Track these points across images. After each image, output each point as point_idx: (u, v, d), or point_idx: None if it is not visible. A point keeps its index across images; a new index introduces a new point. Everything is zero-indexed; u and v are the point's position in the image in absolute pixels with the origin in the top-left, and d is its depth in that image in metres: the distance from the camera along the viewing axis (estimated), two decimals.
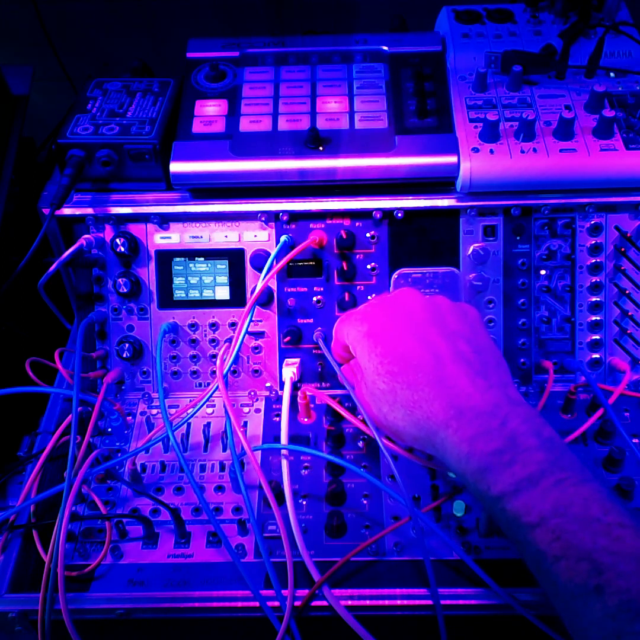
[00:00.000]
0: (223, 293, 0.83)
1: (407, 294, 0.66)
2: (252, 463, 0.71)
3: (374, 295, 0.82)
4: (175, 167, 0.79)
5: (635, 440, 0.75)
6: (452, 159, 0.77)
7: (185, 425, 0.79)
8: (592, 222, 0.80)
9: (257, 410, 0.81)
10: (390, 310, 0.65)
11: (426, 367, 0.59)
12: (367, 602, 0.64)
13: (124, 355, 0.82)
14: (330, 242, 0.81)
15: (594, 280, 0.81)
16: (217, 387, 0.75)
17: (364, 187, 0.80)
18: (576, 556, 0.47)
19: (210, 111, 0.83)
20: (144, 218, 0.82)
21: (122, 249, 0.81)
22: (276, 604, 0.63)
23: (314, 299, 0.82)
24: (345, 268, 0.81)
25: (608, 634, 0.44)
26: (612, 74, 0.83)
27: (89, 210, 0.81)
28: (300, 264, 0.82)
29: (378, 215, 0.80)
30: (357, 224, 0.81)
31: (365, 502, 0.72)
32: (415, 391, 0.59)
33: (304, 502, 0.72)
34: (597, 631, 0.44)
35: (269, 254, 0.79)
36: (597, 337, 0.81)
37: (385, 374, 0.61)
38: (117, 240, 0.80)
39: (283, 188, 0.80)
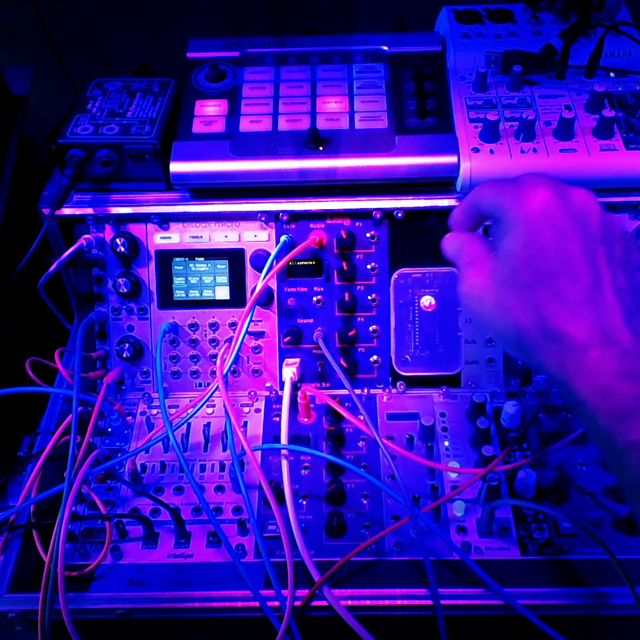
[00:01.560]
0: (223, 293, 0.83)
1: (588, 199, 0.56)
2: (252, 463, 0.71)
3: (374, 295, 0.82)
4: (175, 167, 0.79)
5: None
6: (452, 159, 0.77)
7: (185, 425, 0.79)
8: None
9: (257, 410, 0.81)
10: (566, 208, 0.56)
11: (584, 282, 0.53)
12: (367, 602, 0.64)
13: (124, 355, 0.82)
14: (330, 242, 0.81)
15: None
16: (217, 387, 0.75)
17: (364, 187, 0.80)
18: None
19: (210, 111, 0.83)
20: (144, 218, 0.82)
21: (122, 249, 0.81)
22: (276, 604, 0.63)
23: (314, 299, 0.82)
24: (345, 268, 0.81)
25: None
26: (612, 74, 0.83)
27: (89, 210, 0.81)
28: (300, 264, 0.82)
29: (378, 215, 0.80)
30: (357, 224, 0.81)
31: (365, 502, 0.72)
32: (562, 300, 0.53)
33: (304, 502, 0.72)
34: None
35: (269, 254, 0.79)
36: None
37: (534, 269, 0.54)
38: (117, 240, 0.80)
39: (283, 188, 0.80)
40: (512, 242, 0.55)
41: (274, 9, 1.28)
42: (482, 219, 0.62)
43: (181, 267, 0.83)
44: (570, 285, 0.53)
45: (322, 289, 0.82)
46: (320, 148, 0.79)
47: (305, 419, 0.79)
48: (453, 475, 0.73)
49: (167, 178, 0.80)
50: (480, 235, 0.61)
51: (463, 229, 0.64)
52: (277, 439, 0.76)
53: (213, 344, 0.83)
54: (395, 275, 0.82)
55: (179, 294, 0.83)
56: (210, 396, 0.76)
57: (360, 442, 0.77)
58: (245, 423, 0.80)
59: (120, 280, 0.81)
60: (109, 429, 0.80)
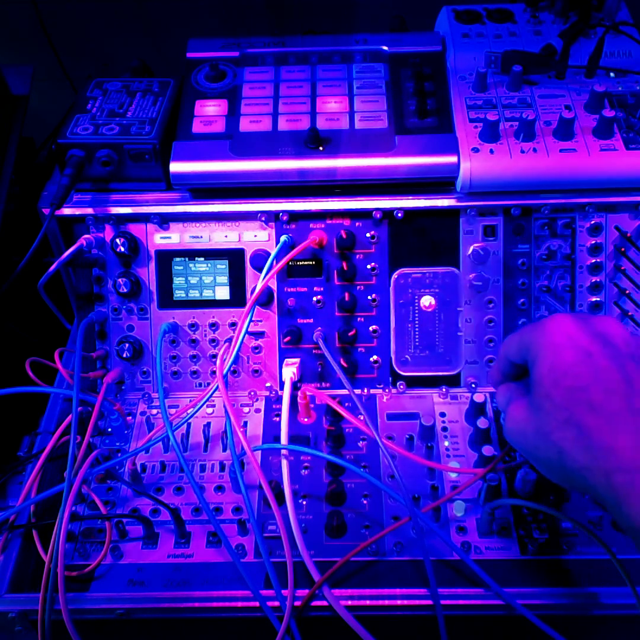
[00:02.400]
0: (223, 293, 0.83)
1: (611, 322, 0.57)
2: (252, 463, 0.71)
3: (374, 295, 0.82)
4: (175, 167, 0.79)
5: None
6: (452, 159, 0.77)
7: (185, 425, 0.79)
8: (592, 222, 0.80)
9: (257, 410, 0.81)
10: (587, 329, 0.55)
11: (620, 391, 0.51)
12: (367, 602, 0.64)
13: (124, 355, 0.82)
14: (330, 242, 0.81)
15: (594, 280, 0.81)
16: (217, 387, 0.75)
17: (364, 187, 0.80)
18: None
19: (210, 111, 0.83)
20: (144, 218, 0.82)
21: (122, 249, 0.81)
22: (276, 604, 0.63)
23: (314, 299, 0.82)
24: (345, 268, 0.81)
25: None
26: (612, 74, 0.83)
27: (89, 210, 0.81)
28: (300, 264, 0.82)
29: (378, 215, 0.80)
30: (357, 224, 0.81)
31: (365, 502, 0.72)
32: (600, 412, 0.50)
33: (304, 502, 0.72)
34: None
35: (269, 254, 0.79)
36: None
37: (566, 388, 0.52)
38: (117, 240, 0.80)
39: (283, 188, 0.80)
40: (539, 369, 0.55)
41: (274, 9, 1.28)
42: (514, 369, 0.61)
43: (181, 267, 0.83)
44: (605, 396, 0.51)
45: (322, 289, 0.82)
46: (320, 148, 0.79)
47: (305, 419, 0.79)
48: (453, 475, 0.73)
49: (167, 178, 0.80)
50: (519, 383, 0.61)
51: (499, 380, 0.64)
52: (277, 439, 0.76)
53: (213, 344, 0.83)
54: (395, 275, 0.82)
55: (179, 294, 0.83)
56: (210, 396, 0.76)
57: (360, 442, 0.77)
58: (245, 423, 0.80)
59: (120, 280, 0.81)
60: (109, 429, 0.80)
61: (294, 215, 0.81)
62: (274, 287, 0.82)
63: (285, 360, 0.82)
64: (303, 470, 0.75)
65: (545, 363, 0.54)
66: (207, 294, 0.83)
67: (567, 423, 0.51)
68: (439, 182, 0.79)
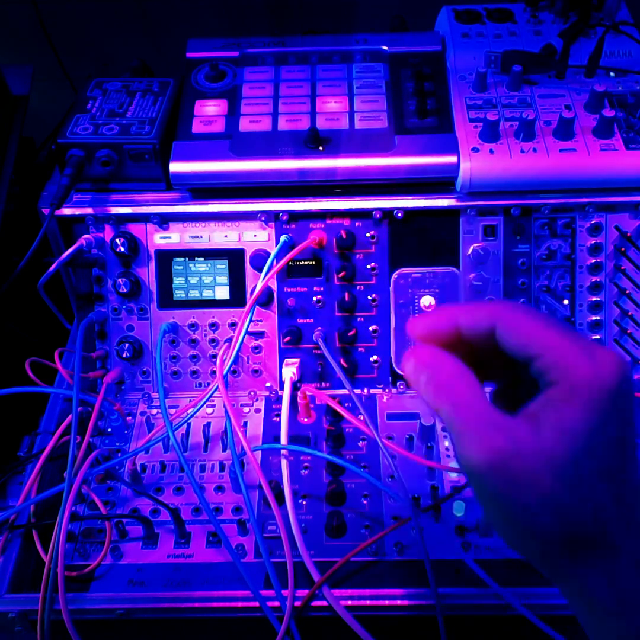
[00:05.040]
0: (223, 293, 0.83)
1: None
2: (252, 463, 0.71)
3: (374, 295, 0.81)
4: (175, 167, 0.79)
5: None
6: (452, 158, 0.77)
7: (185, 425, 0.79)
8: (592, 222, 0.80)
9: (257, 410, 0.81)
10: (630, 391, 0.39)
11: (618, 465, 0.39)
12: (367, 602, 0.64)
13: (124, 355, 0.82)
14: (330, 242, 0.81)
15: (594, 280, 0.80)
16: (217, 387, 0.75)
17: (363, 187, 0.80)
18: None
19: (210, 111, 0.83)
20: (144, 218, 0.82)
21: (122, 249, 0.81)
22: (276, 604, 0.63)
23: (314, 299, 0.82)
24: (345, 268, 0.81)
25: None
26: (612, 74, 0.83)
27: (89, 210, 0.81)
28: (300, 264, 0.82)
29: (378, 215, 0.80)
30: (357, 224, 0.81)
31: (365, 502, 0.72)
32: (622, 503, 0.39)
33: (304, 502, 0.72)
34: None
35: (269, 254, 0.79)
36: (597, 337, 0.81)
37: (600, 459, 0.38)
38: (117, 240, 0.80)
39: (283, 188, 0.80)
40: (580, 422, 0.38)
41: (274, 9, 1.28)
42: (485, 340, 0.41)
43: (181, 267, 0.83)
44: (629, 485, 0.39)
45: (322, 289, 0.82)
46: (320, 148, 0.79)
47: (305, 419, 0.79)
48: (453, 475, 0.73)
49: (167, 178, 0.80)
50: (469, 372, 0.40)
51: (441, 339, 0.42)
52: (277, 439, 0.76)
53: (213, 344, 0.83)
54: (395, 275, 0.82)
55: (178, 294, 0.83)
56: (210, 396, 0.76)
57: (360, 442, 0.77)
58: (245, 423, 0.80)
59: (120, 280, 0.81)
60: (109, 429, 0.80)
61: (294, 215, 0.81)
62: (274, 287, 0.82)
63: (285, 360, 0.82)
64: (303, 470, 0.75)
65: (590, 420, 0.38)
66: (207, 294, 0.83)
67: (585, 501, 0.38)
68: (438, 182, 0.79)
